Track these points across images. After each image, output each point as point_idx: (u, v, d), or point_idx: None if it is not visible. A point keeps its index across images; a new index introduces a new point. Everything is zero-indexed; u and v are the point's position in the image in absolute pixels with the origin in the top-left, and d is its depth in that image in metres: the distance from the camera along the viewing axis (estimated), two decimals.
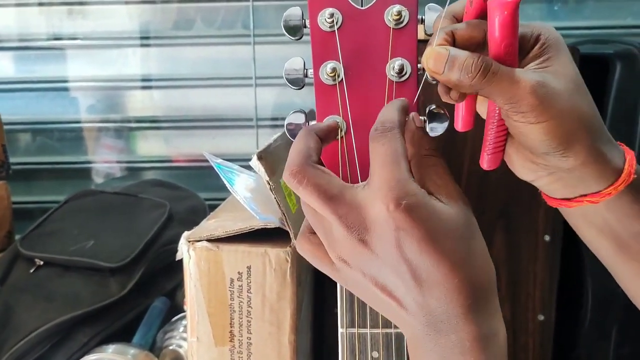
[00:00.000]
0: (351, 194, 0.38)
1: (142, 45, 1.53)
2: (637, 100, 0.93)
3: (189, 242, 0.72)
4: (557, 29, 1.33)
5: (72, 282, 1.02)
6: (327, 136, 0.42)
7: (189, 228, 0.78)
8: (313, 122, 0.44)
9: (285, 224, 0.70)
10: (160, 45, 1.53)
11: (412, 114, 0.42)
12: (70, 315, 0.96)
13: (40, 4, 1.52)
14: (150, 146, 1.60)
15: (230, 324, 0.72)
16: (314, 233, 0.41)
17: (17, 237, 1.21)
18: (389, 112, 0.40)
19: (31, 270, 1.04)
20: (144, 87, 1.56)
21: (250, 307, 0.71)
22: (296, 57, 0.44)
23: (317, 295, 0.93)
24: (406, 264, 0.36)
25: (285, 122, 0.44)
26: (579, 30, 1.45)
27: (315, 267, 0.43)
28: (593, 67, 0.90)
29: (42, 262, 1.04)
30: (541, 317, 0.96)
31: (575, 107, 0.39)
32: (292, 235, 0.70)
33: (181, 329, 0.97)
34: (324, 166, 0.40)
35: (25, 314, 0.97)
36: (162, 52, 1.54)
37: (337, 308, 0.46)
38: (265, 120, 1.51)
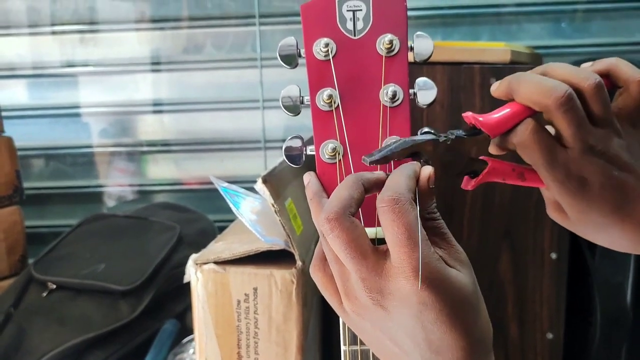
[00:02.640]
0: (376, 259, 0.38)
1: (153, 71, 1.56)
2: None
3: (197, 264, 0.73)
4: (564, 47, 1.33)
5: (84, 305, 1.03)
6: (372, 188, 0.41)
7: (199, 250, 0.79)
8: (311, 147, 0.45)
9: (291, 245, 0.71)
10: (170, 71, 1.56)
11: (429, 173, 0.41)
12: (82, 338, 0.97)
13: (54, 33, 1.55)
14: (161, 169, 1.63)
15: (238, 345, 0.73)
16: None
17: (31, 261, 1.22)
18: (397, 180, 0.39)
19: (44, 294, 1.06)
20: (155, 112, 1.59)
21: (257, 328, 0.72)
22: (292, 85, 0.45)
23: (324, 315, 0.94)
24: (420, 330, 0.38)
25: (284, 147, 0.46)
26: (586, 47, 1.46)
27: (324, 296, 0.43)
28: None
29: (54, 286, 1.06)
30: (550, 336, 0.96)
31: None
32: (297, 257, 0.71)
33: (191, 350, 0.98)
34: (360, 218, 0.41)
35: (38, 337, 0.98)
36: (172, 77, 1.57)
37: (340, 323, 0.47)
38: (273, 142, 1.53)
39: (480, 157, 0.44)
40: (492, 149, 0.45)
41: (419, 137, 0.42)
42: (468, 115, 0.43)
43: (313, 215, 0.43)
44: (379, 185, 0.41)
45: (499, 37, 1.49)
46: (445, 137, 0.42)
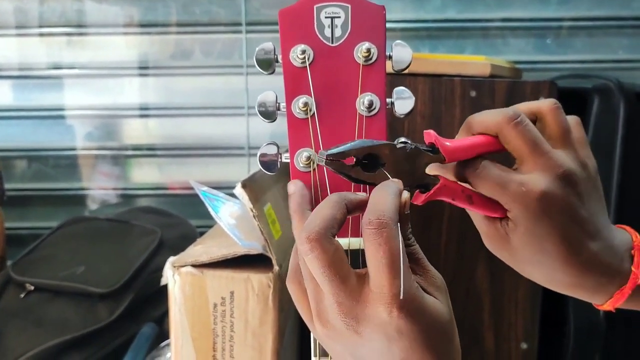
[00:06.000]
0: (354, 284, 0.37)
1: (140, 75, 1.56)
2: (613, 133, 0.95)
3: (174, 267, 0.74)
4: (548, 62, 1.35)
5: (62, 307, 1.03)
6: (355, 209, 0.40)
7: None
8: (286, 155, 0.44)
9: (268, 250, 0.72)
10: (157, 75, 1.57)
11: (405, 197, 0.40)
12: (59, 340, 0.97)
13: (41, 35, 1.55)
14: (145, 174, 1.63)
15: (214, 348, 0.73)
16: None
17: (10, 262, 1.22)
18: (384, 200, 0.38)
19: (22, 295, 1.05)
20: (141, 116, 1.59)
21: (233, 331, 0.73)
22: (268, 90, 0.44)
23: (302, 320, 0.94)
24: (392, 357, 0.38)
25: (258, 154, 0.45)
26: (570, 64, 1.49)
27: (297, 310, 0.42)
28: (571, 101, 0.93)
29: (32, 287, 1.06)
30: (524, 346, 0.97)
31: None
32: (274, 262, 0.72)
33: (168, 354, 0.98)
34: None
35: (15, 339, 0.98)
36: (159, 82, 1.57)
37: (311, 337, 0.46)
38: (257, 149, 1.52)
39: (433, 174, 0.43)
40: (438, 170, 0.44)
41: (378, 140, 0.41)
42: (430, 133, 0.43)
43: (294, 228, 0.42)
44: (361, 207, 0.40)
45: (484, 51, 1.51)
46: (404, 145, 0.42)
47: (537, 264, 0.44)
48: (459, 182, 0.44)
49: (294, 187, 0.43)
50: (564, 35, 1.51)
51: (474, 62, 0.94)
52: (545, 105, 0.44)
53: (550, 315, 1.00)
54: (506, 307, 0.97)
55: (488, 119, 0.43)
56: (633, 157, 0.99)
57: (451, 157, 0.43)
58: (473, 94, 0.92)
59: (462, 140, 0.44)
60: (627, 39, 1.50)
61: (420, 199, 0.44)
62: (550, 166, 0.42)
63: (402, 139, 0.43)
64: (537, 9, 1.50)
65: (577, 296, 0.46)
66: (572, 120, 0.45)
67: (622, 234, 0.46)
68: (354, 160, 0.41)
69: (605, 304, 0.46)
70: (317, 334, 0.41)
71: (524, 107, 0.45)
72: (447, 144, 0.43)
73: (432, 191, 0.43)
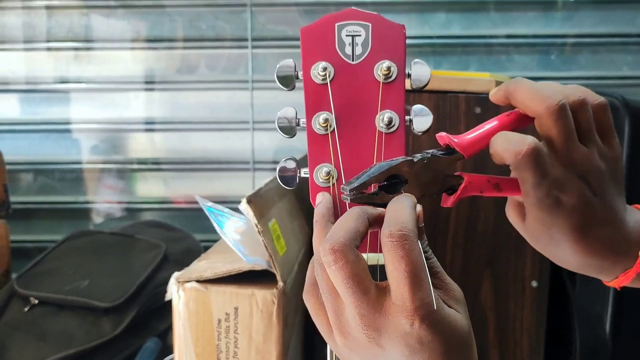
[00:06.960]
0: (376, 295, 0.38)
1: (146, 90, 1.58)
2: None
3: (179, 282, 0.74)
4: (552, 79, 1.36)
5: (66, 321, 1.03)
6: (375, 223, 0.40)
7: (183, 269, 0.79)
8: (305, 169, 0.45)
9: (273, 266, 0.72)
10: (163, 90, 1.58)
11: (418, 210, 0.40)
12: (63, 354, 0.97)
13: (49, 49, 1.57)
14: (150, 187, 1.63)
15: None
16: None
17: (14, 276, 1.22)
18: (403, 213, 0.38)
19: (26, 309, 1.05)
20: (146, 130, 1.60)
21: (236, 347, 0.72)
22: (288, 107, 0.45)
23: (306, 336, 0.94)
24: None
25: (277, 168, 0.45)
26: (574, 80, 1.49)
27: (314, 322, 0.43)
28: None
29: (37, 301, 1.06)
30: None
31: None
32: (279, 278, 0.72)
33: None
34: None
35: (18, 353, 0.98)
36: (165, 96, 1.58)
37: (327, 349, 0.47)
38: (262, 164, 1.54)
39: (456, 173, 0.44)
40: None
41: (395, 160, 0.41)
42: (442, 136, 0.43)
43: (314, 238, 0.42)
44: (381, 221, 0.40)
45: (488, 67, 1.51)
46: (421, 156, 0.42)
47: (546, 245, 0.45)
48: (483, 175, 0.44)
49: (322, 198, 0.43)
50: (568, 51, 1.51)
51: (478, 78, 0.95)
52: (594, 102, 0.43)
53: (556, 333, 1.00)
54: (511, 325, 0.96)
55: (530, 103, 0.42)
56: (639, 175, 0.99)
57: (467, 151, 0.43)
58: (478, 110, 0.92)
59: (473, 131, 0.44)
60: (631, 56, 1.50)
61: (450, 201, 0.44)
62: (570, 162, 0.42)
63: (419, 156, 0.43)
64: (541, 25, 1.50)
65: (585, 274, 0.47)
66: (599, 106, 0.44)
67: (637, 216, 0.47)
68: (377, 186, 0.41)
69: (611, 282, 0.47)
70: (336, 346, 0.41)
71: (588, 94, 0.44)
72: (456, 140, 0.43)
73: (459, 191, 0.43)
